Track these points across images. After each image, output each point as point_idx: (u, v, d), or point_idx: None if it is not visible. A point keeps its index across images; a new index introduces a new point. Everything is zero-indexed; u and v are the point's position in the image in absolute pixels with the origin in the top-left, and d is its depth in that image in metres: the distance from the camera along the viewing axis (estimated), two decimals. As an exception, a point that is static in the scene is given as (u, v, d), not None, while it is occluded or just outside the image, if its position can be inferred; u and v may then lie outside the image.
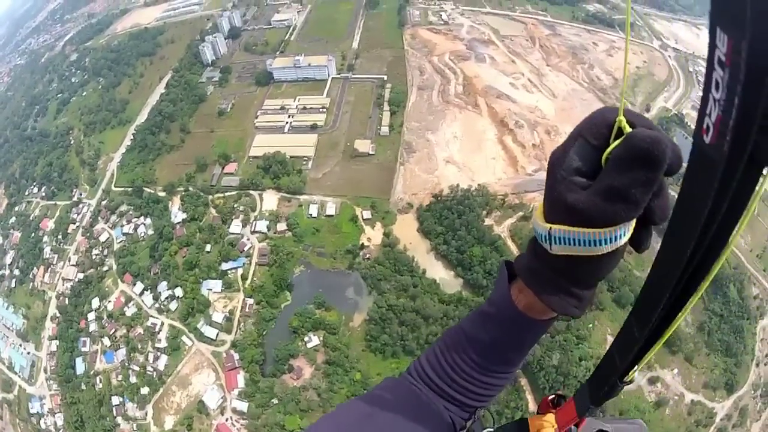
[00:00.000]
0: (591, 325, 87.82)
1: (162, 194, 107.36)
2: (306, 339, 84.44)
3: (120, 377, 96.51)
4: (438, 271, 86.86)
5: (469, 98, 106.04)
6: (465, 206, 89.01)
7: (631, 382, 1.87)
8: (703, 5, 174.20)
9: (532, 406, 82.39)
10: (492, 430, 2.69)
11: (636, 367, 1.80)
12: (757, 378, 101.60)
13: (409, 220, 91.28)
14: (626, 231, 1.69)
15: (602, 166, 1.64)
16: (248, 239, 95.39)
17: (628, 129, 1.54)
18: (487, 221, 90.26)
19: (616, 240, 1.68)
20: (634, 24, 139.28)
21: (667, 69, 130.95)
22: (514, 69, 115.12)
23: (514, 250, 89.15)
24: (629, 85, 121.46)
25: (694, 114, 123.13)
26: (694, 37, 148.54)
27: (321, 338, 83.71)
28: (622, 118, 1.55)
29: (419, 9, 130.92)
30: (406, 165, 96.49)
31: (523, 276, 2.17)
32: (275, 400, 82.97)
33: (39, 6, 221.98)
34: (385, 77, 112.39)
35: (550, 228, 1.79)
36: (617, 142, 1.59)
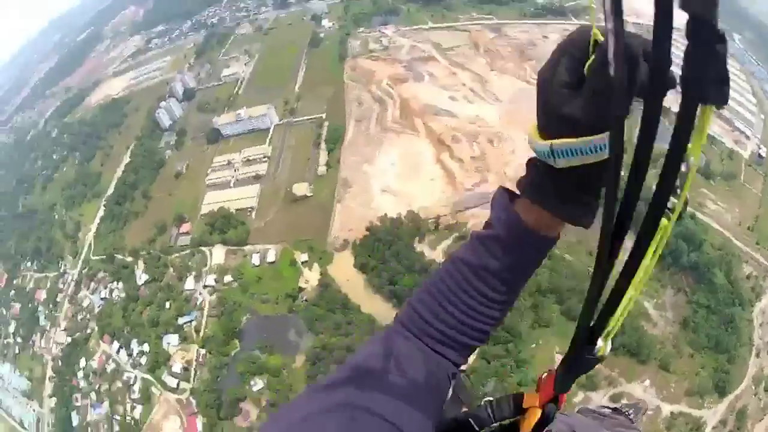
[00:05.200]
0: (534, 345, 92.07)
1: (129, 259, 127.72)
2: (252, 383, 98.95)
3: (106, 427, 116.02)
4: (374, 306, 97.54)
5: (407, 121, 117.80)
6: (394, 236, 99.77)
7: (602, 357, 2.00)
8: None
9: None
10: (492, 399, 2.84)
11: (603, 332, 1.90)
12: (759, 370, 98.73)
13: (345, 256, 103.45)
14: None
15: (586, 76, 1.96)
16: (200, 293, 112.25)
17: (601, 38, 1.87)
18: (420, 247, 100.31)
19: (605, 149, 1.96)
20: (589, 8, 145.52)
21: None
22: (454, 82, 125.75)
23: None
24: None
25: None
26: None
27: (265, 381, 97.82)
28: (596, 31, 1.90)
29: (360, 39, 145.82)
30: (343, 202, 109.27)
31: (530, 194, 2.32)
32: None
33: (23, 80, 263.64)
34: (324, 115, 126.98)
35: (552, 144, 2.04)
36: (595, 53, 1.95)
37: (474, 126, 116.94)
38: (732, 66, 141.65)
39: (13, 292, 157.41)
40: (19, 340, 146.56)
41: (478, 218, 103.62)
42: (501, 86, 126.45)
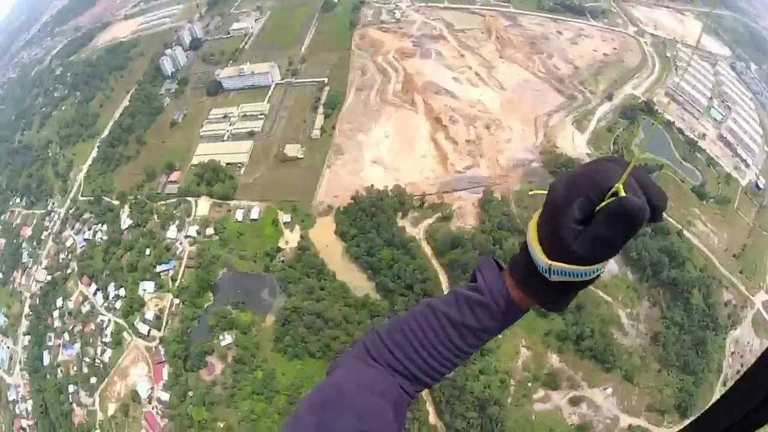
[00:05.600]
0: (501, 336, 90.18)
1: (116, 202, 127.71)
2: (221, 337, 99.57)
3: (75, 368, 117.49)
4: (350, 274, 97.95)
5: (407, 96, 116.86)
6: (377, 207, 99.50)
7: None
8: None
9: (433, 417, 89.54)
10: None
11: None
12: None
13: (327, 222, 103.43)
14: (606, 263, 2.58)
15: (594, 214, 2.37)
16: (181, 243, 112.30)
17: (622, 193, 2.25)
18: (402, 222, 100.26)
19: (598, 271, 2.56)
20: (608, 11, 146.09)
21: (640, 55, 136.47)
22: (461, 63, 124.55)
23: (428, 253, 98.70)
24: (591, 72, 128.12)
25: (666, 100, 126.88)
26: (677, 23, 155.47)
27: (233, 337, 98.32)
28: (620, 186, 2.25)
29: (373, 8, 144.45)
30: (333, 167, 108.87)
31: (522, 286, 2.96)
32: (190, 393, 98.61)
33: (34, 17, 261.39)
34: (326, 80, 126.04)
35: (551, 265, 2.60)
36: (609, 200, 2.30)
37: (474, 110, 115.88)
38: (743, 94, 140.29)
39: (0, 227, 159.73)
40: (0, 276, 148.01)
41: (463, 201, 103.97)
42: (507, 74, 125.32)
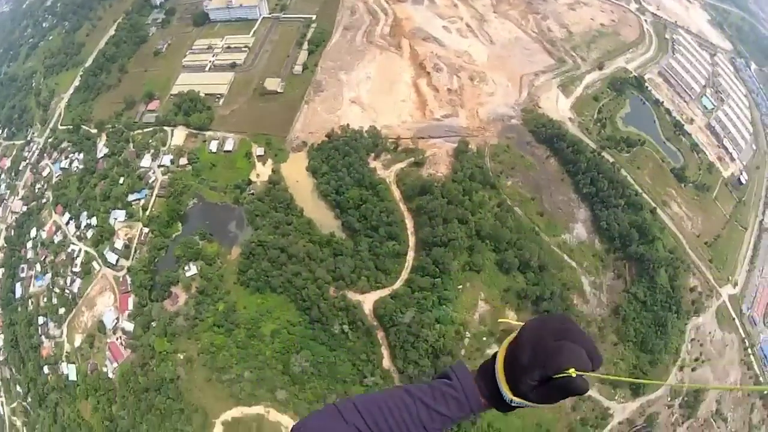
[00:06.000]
0: (461, 287, 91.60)
1: (93, 131, 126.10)
2: (186, 268, 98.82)
3: (45, 299, 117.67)
4: (317, 211, 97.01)
5: (394, 39, 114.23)
6: (351, 147, 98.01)
7: None
8: None
9: (387, 361, 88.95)
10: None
11: None
12: (679, 383, 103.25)
13: (300, 158, 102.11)
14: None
15: (549, 384, 3.92)
16: (154, 172, 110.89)
17: (574, 374, 3.61)
18: (374, 164, 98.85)
19: (549, 404, 4.15)
20: None
21: (638, 32, 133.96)
22: (453, 13, 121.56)
23: (397, 197, 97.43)
24: (585, 39, 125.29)
25: (659, 80, 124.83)
26: (681, 9, 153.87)
27: (199, 268, 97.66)
28: (573, 371, 3.61)
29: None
30: (311, 104, 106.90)
31: (488, 400, 4.49)
32: (153, 323, 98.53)
33: None
34: (314, 17, 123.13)
35: (512, 399, 4.18)
36: (563, 375, 3.74)
37: (460, 60, 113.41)
38: (738, 89, 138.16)
39: None
40: None
41: (438, 149, 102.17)
42: (499, 30, 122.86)
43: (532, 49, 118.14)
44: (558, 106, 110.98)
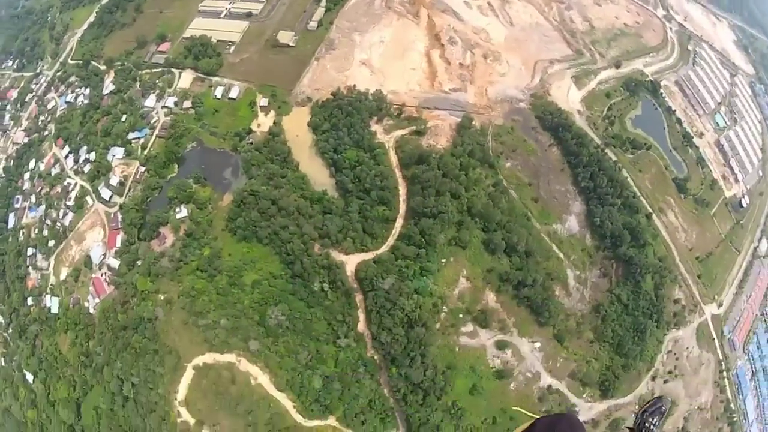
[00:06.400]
0: (444, 261, 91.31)
1: (102, 68, 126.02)
2: (177, 210, 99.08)
3: (37, 231, 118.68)
4: (313, 168, 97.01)
5: (413, 7, 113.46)
6: (354, 108, 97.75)
7: None
8: (735, 1, 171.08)
9: (362, 325, 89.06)
10: None
11: None
12: (649, 392, 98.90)
13: (303, 113, 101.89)
14: None
15: None
16: (157, 113, 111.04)
17: None
18: (375, 128, 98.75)
19: None
20: None
21: (661, 37, 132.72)
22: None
23: (393, 163, 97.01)
24: (606, 36, 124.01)
25: (675, 89, 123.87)
26: (709, 24, 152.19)
27: (189, 211, 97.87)
28: None
29: None
30: (321, 61, 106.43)
31: None
32: (139, 262, 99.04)
33: None
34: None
35: None
36: None
37: (476, 36, 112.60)
38: (753, 113, 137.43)
39: None
40: None
41: (441, 121, 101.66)
42: (520, 12, 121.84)
43: (551, 36, 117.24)
44: (568, 97, 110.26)
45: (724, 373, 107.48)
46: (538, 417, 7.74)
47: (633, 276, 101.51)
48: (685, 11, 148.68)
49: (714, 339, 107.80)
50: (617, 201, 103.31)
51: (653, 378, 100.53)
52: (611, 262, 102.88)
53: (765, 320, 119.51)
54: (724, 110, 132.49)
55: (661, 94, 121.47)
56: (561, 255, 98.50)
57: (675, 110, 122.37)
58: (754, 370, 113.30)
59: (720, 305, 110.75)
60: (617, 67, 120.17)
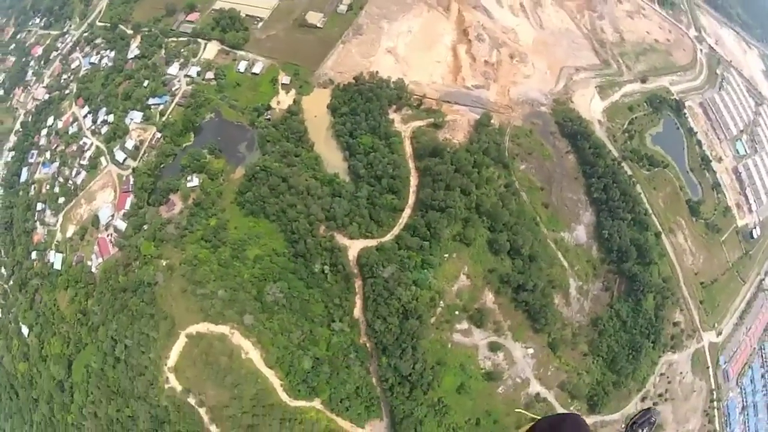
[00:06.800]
0: (447, 256, 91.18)
1: (129, 32, 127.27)
2: (189, 178, 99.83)
3: (48, 186, 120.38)
4: (327, 150, 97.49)
5: (444, 0, 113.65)
6: (375, 95, 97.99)
7: None
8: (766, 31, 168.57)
9: (358, 311, 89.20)
10: None
11: None
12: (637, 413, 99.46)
13: (324, 94, 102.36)
14: None
15: None
16: (179, 81, 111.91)
17: None
18: (393, 116, 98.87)
19: None
20: (676, 4, 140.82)
21: (690, 57, 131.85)
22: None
23: (408, 153, 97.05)
24: (635, 50, 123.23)
25: (699, 110, 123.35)
26: (739, 51, 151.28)
27: (200, 181, 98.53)
28: None
29: None
30: (347, 44, 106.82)
31: None
32: (145, 226, 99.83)
33: None
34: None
35: None
36: None
37: (504, 36, 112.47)
38: None
39: (13, 45, 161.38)
40: (0, 92, 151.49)
41: (460, 116, 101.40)
42: (552, 17, 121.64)
43: (579, 43, 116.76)
44: (591, 106, 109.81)
45: (715, 403, 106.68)
46: (540, 417, 7.66)
47: (635, 293, 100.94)
48: (717, 35, 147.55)
49: (709, 367, 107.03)
50: (628, 216, 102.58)
51: (643, 399, 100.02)
52: (615, 276, 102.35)
53: (762, 355, 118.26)
54: (746, 138, 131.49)
55: (685, 114, 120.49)
56: (565, 263, 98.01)
57: (696, 132, 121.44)
58: (745, 403, 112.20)
59: (719, 334, 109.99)
60: (643, 81, 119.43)
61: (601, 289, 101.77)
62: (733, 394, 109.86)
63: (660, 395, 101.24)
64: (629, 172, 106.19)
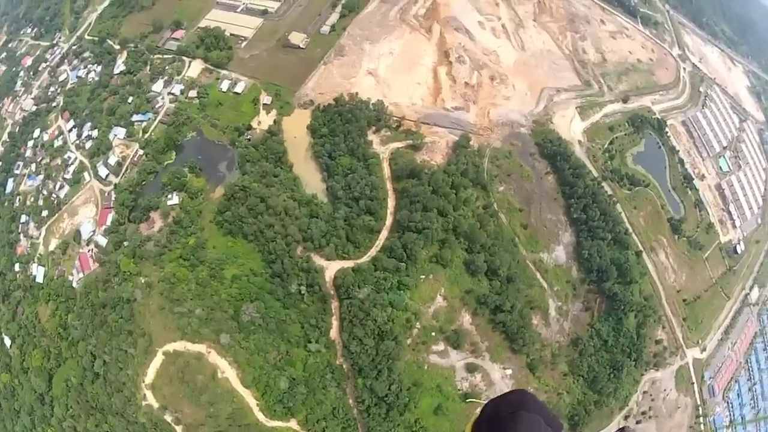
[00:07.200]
0: (423, 277, 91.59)
1: (117, 47, 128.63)
2: (169, 196, 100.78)
3: (32, 199, 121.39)
4: (306, 171, 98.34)
5: (426, 22, 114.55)
6: (354, 116, 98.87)
7: None
8: (754, 48, 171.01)
9: (335, 332, 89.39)
10: None
11: None
12: None
13: (304, 115, 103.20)
14: None
15: None
16: (162, 98, 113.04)
17: None
18: (372, 137, 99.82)
19: None
20: (659, 23, 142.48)
21: (673, 76, 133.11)
22: (492, 11, 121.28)
23: (386, 174, 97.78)
24: (617, 70, 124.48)
25: (681, 129, 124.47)
26: (723, 68, 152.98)
27: (180, 199, 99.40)
28: None
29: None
30: (329, 65, 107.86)
31: None
32: (126, 243, 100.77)
33: None
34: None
35: None
36: None
37: (485, 57, 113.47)
38: (758, 160, 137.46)
39: (4, 54, 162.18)
40: None
41: (438, 138, 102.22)
42: (533, 38, 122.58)
43: (561, 65, 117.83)
44: (571, 127, 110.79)
45: (701, 419, 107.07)
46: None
47: (616, 312, 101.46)
48: (701, 53, 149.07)
49: (693, 383, 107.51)
50: (608, 235, 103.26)
51: (626, 417, 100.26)
52: (595, 296, 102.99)
53: (749, 369, 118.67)
54: (729, 155, 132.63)
55: (667, 132, 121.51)
56: (545, 284, 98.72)
57: (678, 150, 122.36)
58: (732, 418, 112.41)
59: (703, 350, 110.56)
60: (625, 101, 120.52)
61: (582, 309, 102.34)
62: (719, 409, 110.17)
63: (643, 413, 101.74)
64: (609, 192, 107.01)
